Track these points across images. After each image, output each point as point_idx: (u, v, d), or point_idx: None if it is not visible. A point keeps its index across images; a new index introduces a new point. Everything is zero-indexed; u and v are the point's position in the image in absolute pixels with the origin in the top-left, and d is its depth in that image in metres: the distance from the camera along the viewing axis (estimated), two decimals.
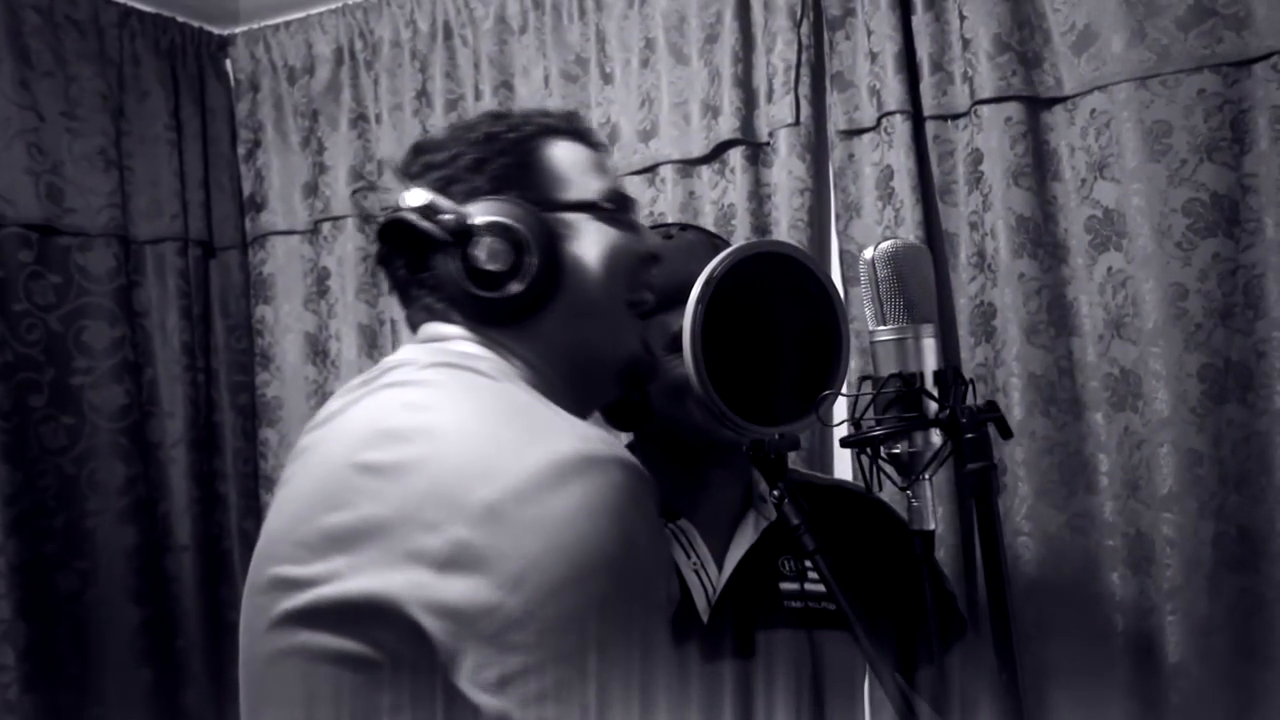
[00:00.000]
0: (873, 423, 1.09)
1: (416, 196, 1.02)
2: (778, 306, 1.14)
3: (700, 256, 1.35)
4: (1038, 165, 1.93)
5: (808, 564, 1.40)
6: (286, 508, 0.98)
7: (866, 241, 2.07)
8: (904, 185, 2.00)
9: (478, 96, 2.45)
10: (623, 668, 0.80)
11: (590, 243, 1.06)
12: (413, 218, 1.02)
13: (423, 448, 0.88)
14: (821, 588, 1.37)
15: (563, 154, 1.09)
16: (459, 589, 0.80)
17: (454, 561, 0.81)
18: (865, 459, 1.11)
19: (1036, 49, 1.94)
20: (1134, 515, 1.86)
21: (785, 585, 1.39)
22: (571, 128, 1.13)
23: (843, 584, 1.15)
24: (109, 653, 2.34)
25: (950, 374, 1.09)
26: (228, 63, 2.75)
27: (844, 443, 1.13)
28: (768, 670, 1.32)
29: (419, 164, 1.09)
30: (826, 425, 1.12)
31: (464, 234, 1.01)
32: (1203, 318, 1.78)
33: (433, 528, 0.82)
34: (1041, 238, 1.92)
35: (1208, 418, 1.78)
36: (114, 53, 2.49)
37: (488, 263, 1.00)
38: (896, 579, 1.41)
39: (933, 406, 1.07)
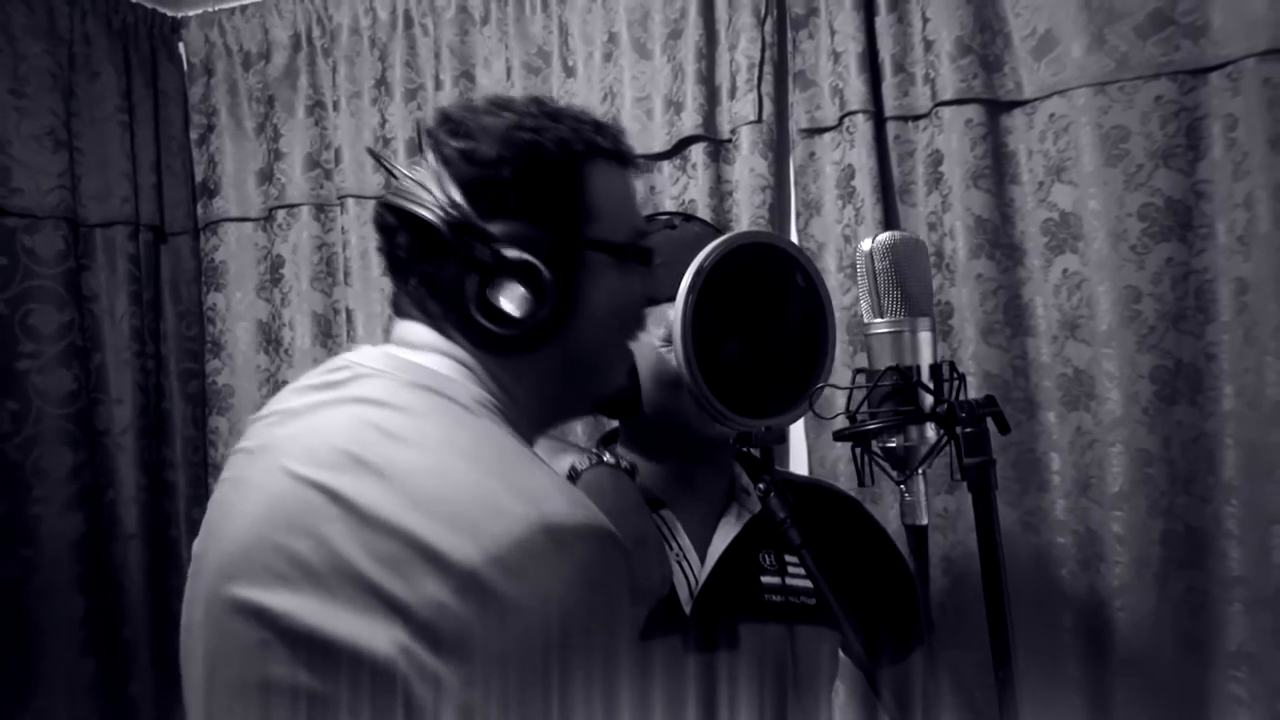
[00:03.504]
0: (867, 416, 1.09)
1: (453, 205, 0.96)
2: (764, 298, 1.14)
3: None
4: (996, 167, 1.96)
5: (788, 558, 1.41)
6: (240, 519, 0.93)
7: (826, 239, 2.09)
8: (865, 184, 2.02)
9: (438, 86, 2.43)
10: None
11: (605, 289, 1.02)
12: (439, 224, 0.96)
13: (398, 488, 0.85)
14: (801, 582, 1.38)
15: (604, 184, 1.04)
16: (441, 658, 0.79)
17: (435, 628, 0.79)
18: (859, 453, 1.11)
19: (997, 53, 1.97)
20: (1084, 513, 1.89)
21: (766, 579, 1.39)
22: (618, 150, 1.07)
23: (827, 579, 1.15)
24: (53, 643, 2.29)
25: (946, 368, 1.09)
26: (181, 45, 2.71)
27: (838, 436, 1.13)
28: (749, 663, 1.33)
29: (455, 149, 1.00)
30: (821, 418, 1.12)
31: (491, 264, 0.96)
32: (1155, 320, 1.82)
33: (410, 583, 0.80)
34: (999, 239, 1.95)
35: (1158, 418, 1.82)
36: (64, 31, 2.44)
37: (506, 305, 0.96)
38: (867, 577, 1.42)
39: (929, 400, 1.07)
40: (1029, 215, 1.96)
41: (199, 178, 2.69)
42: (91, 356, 2.45)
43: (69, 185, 2.41)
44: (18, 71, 2.34)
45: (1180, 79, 1.82)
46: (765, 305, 1.14)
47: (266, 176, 2.62)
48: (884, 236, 1.12)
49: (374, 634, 0.80)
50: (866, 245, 1.12)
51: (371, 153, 1.13)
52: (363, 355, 1.01)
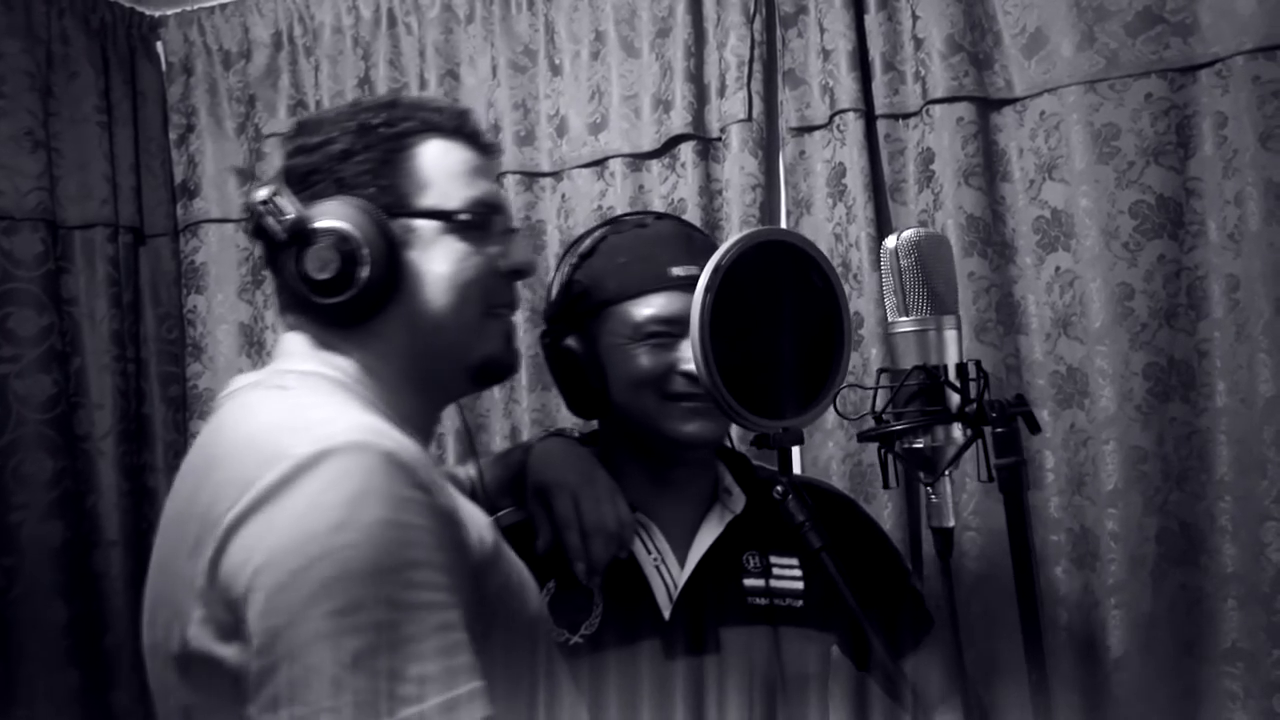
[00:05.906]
0: (891, 417, 1.08)
1: (262, 190, 1.01)
2: (779, 296, 1.13)
3: (671, 246, 1.34)
4: (988, 165, 1.96)
5: (773, 560, 1.39)
6: None
7: (817, 238, 2.08)
8: (855, 183, 2.02)
9: (423, 86, 2.41)
10: (372, 655, 0.77)
11: (437, 255, 1.04)
12: (260, 211, 1.01)
13: (198, 482, 0.90)
14: (787, 584, 1.37)
15: (435, 156, 1.07)
16: (232, 613, 0.81)
17: (216, 587, 0.82)
18: (884, 454, 1.10)
19: (988, 50, 1.97)
20: (1079, 511, 1.89)
21: (749, 582, 1.37)
22: (458, 128, 1.10)
23: (846, 581, 1.13)
24: (35, 652, 2.25)
25: (973, 367, 1.08)
26: (159, 45, 2.67)
27: (863, 436, 1.12)
28: (734, 667, 1.31)
29: (296, 143, 1.07)
30: (846, 418, 1.11)
31: (301, 236, 0.99)
32: (1148, 317, 1.83)
33: (201, 557, 0.84)
34: (991, 237, 1.95)
35: (1152, 415, 1.82)
36: (42, 30, 2.40)
37: (316, 271, 0.99)
38: (866, 577, 1.41)
39: (955, 399, 1.06)
40: (1020, 213, 1.96)
41: (179, 178, 2.65)
42: (71, 360, 2.41)
43: (47, 186, 2.37)
44: None
45: (1170, 77, 1.83)
46: (781, 303, 1.13)
47: (248, 177, 2.58)
48: (909, 233, 1.10)
49: (189, 623, 0.85)
50: (891, 242, 1.10)
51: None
52: (234, 380, 1.06)
